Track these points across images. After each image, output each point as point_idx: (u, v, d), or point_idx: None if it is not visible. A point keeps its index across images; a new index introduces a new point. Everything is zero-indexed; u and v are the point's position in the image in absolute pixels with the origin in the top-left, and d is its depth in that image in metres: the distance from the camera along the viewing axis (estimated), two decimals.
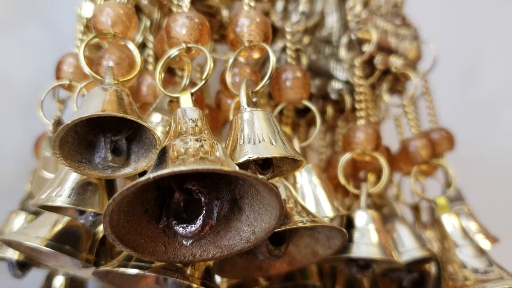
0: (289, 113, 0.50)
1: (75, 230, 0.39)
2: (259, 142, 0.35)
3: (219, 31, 0.51)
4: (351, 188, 0.47)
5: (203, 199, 0.32)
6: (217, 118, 0.48)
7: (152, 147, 0.34)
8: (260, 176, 0.36)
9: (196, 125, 0.32)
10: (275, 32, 0.54)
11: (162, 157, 0.30)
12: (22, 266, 0.46)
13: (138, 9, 0.48)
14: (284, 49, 0.57)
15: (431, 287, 0.48)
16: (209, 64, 0.37)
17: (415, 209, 0.54)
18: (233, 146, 0.35)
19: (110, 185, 0.37)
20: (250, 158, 0.34)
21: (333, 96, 0.56)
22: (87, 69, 0.37)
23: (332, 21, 0.57)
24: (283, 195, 0.38)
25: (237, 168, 0.30)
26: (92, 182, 0.36)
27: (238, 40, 0.40)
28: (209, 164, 0.28)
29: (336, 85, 0.56)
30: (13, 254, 0.44)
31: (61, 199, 0.34)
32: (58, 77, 0.44)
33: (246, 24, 0.40)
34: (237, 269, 0.41)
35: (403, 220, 0.49)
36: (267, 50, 0.39)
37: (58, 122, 0.42)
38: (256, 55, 0.41)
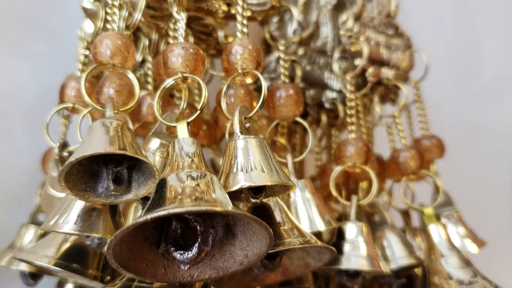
0: (284, 125, 0.52)
1: (82, 248, 0.42)
2: (251, 170, 0.37)
3: (215, 47, 0.53)
4: (342, 200, 0.50)
5: (198, 227, 0.34)
6: (214, 133, 0.51)
7: (151, 176, 0.36)
8: (253, 200, 0.39)
9: (192, 161, 0.34)
10: (271, 43, 0.56)
11: (160, 193, 0.33)
12: (34, 276, 0.49)
13: (137, 28, 0.50)
14: (279, 59, 0.59)
15: None
16: (204, 93, 0.40)
17: (406, 214, 0.57)
18: (227, 174, 0.37)
19: (113, 209, 0.39)
20: (243, 187, 0.36)
21: (327, 105, 0.58)
22: (88, 100, 0.39)
23: (326, 31, 0.59)
24: (278, 216, 0.41)
25: (230, 205, 0.33)
26: (97, 208, 0.38)
27: (232, 68, 0.42)
28: (203, 205, 0.30)
29: (330, 94, 0.58)
30: (25, 267, 0.47)
31: (68, 226, 0.37)
32: (61, 100, 0.46)
33: (240, 52, 0.41)
34: (235, 281, 0.44)
35: (393, 228, 0.52)
36: (259, 77, 0.41)
37: (63, 145, 0.45)
38: (249, 80, 0.43)
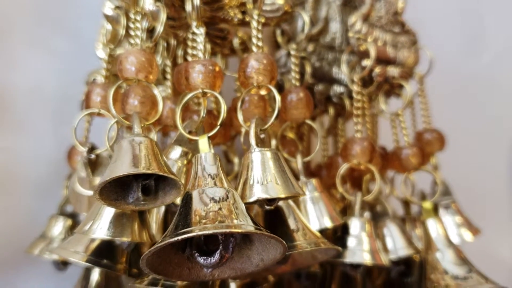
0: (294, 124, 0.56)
1: (110, 243, 0.46)
2: (267, 182, 0.41)
3: (230, 47, 0.55)
4: (348, 196, 0.54)
5: (220, 236, 0.39)
6: (229, 132, 0.54)
7: (176, 187, 0.40)
8: (267, 207, 0.43)
9: (214, 182, 0.38)
10: (283, 46, 0.59)
11: (186, 211, 0.37)
12: (65, 263, 0.54)
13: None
14: (289, 54, 0.62)
15: (416, 276, 0.55)
16: (223, 108, 0.43)
17: (406, 203, 0.61)
18: (244, 185, 0.41)
19: (141, 214, 0.43)
20: (259, 199, 0.40)
21: (335, 99, 0.61)
22: (115, 114, 0.42)
23: (335, 26, 0.61)
24: (290, 219, 0.45)
25: (250, 224, 0.36)
26: (126, 213, 0.42)
27: (247, 82, 0.45)
28: (225, 228, 0.34)
29: (337, 89, 0.61)
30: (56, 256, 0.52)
31: (102, 232, 0.41)
32: (87, 106, 0.49)
33: (255, 67, 0.44)
34: None
35: (393, 219, 0.56)
36: (272, 90, 0.44)
37: (91, 149, 0.48)
38: (263, 92, 0.46)
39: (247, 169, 0.42)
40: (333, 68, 0.61)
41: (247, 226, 0.36)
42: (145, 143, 0.39)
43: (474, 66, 1.08)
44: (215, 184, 0.38)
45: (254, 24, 0.46)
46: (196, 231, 0.34)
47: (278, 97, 0.44)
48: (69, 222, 0.53)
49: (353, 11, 0.61)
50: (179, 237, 0.34)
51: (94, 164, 0.49)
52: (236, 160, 0.55)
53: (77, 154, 0.54)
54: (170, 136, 0.57)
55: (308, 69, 0.60)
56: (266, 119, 0.48)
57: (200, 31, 0.45)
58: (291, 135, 0.57)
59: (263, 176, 0.41)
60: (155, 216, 0.48)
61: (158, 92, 0.43)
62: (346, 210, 0.56)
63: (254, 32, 0.46)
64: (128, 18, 0.48)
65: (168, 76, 0.54)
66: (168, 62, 0.53)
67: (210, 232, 0.34)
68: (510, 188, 1.13)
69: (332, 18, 0.61)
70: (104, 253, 0.45)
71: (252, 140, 0.43)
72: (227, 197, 0.37)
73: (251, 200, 0.40)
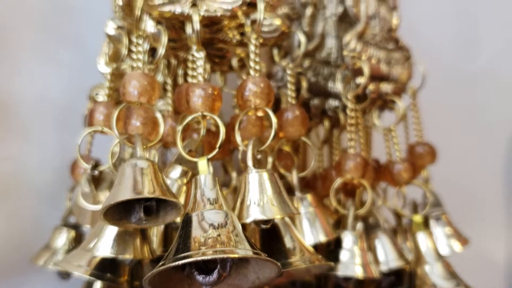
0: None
1: (113, 258, 0.48)
2: (263, 204, 0.43)
3: (229, 65, 0.57)
4: (341, 210, 0.56)
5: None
6: (227, 148, 0.56)
7: (176, 208, 0.42)
8: (263, 226, 0.45)
9: (213, 206, 0.40)
10: (280, 65, 0.60)
11: (186, 234, 0.39)
12: (68, 273, 0.56)
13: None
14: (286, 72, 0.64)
15: (406, 286, 0.58)
16: (221, 131, 0.45)
17: (398, 215, 0.63)
18: (241, 205, 0.43)
19: (143, 230, 0.46)
20: (256, 219, 0.42)
21: (330, 113, 0.63)
22: (118, 136, 0.44)
23: (331, 42, 0.63)
24: (285, 235, 0.47)
25: (248, 248, 0.38)
26: (128, 231, 0.44)
27: (245, 104, 0.47)
28: (223, 253, 0.36)
29: (333, 102, 0.63)
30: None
31: (106, 249, 0.43)
32: (91, 123, 0.51)
33: (253, 90, 0.46)
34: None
35: (385, 231, 0.58)
36: (269, 113, 0.46)
37: (95, 166, 0.50)
38: (260, 113, 0.48)
39: (244, 189, 0.44)
40: (329, 83, 0.62)
41: (245, 250, 0.38)
42: (147, 167, 0.41)
43: (469, 69, 1.10)
44: (214, 208, 0.40)
45: (251, 48, 0.48)
46: (195, 256, 0.36)
47: (274, 120, 0.46)
48: (72, 233, 0.56)
49: (349, 27, 0.62)
50: (179, 262, 0.36)
51: (97, 180, 0.51)
52: (234, 174, 0.57)
53: (80, 167, 0.56)
54: (171, 149, 0.59)
55: (304, 84, 0.61)
56: (263, 136, 0.50)
57: (200, 55, 0.47)
58: (287, 148, 0.59)
59: (260, 197, 0.43)
60: (156, 230, 0.50)
61: (160, 115, 0.45)
62: (340, 221, 0.58)
63: (252, 56, 0.48)
64: (130, 41, 0.50)
65: (169, 94, 0.56)
66: (169, 81, 0.54)
67: (209, 257, 0.36)
68: (506, 191, 1.15)
69: (328, 33, 0.63)
70: (107, 267, 0.47)
71: (250, 162, 0.45)
72: (226, 223, 0.39)
73: (248, 221, 0.42)
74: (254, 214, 0.42)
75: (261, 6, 0.47)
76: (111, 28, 0.53)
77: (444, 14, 1.06)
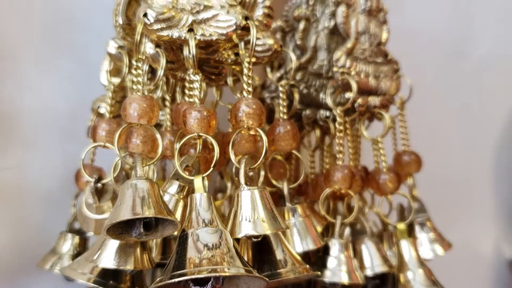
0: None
1: None
2: (254, 220, 0.46)
3: (224, 80, 0.60)
4: (329, 218, 0.59)
5: None
6: (223, 160, 0.59)
7: (174, 224, 0.45)
8: (255, 240, 0.48)
9: (207, 226, 0.43)
10: (273, 82, 0.63)
11: (182, 252, 0.42)
12: None
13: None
14: (281, 78, 0.67)
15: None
16: (216, 150, 0.48)
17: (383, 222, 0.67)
18: (234, 221, 0.47)
19: (143, 242, 0.49)
20: (247, 235, 0.46)
21: (321, 122, 0.66)
22: (120, 155, 0.48)
23: (323, 54, 0.66)
24: (275, 246, 0.50)
25: (240, 266, 0.42)
26: (129, 243, 0.48)
27: (238, 125, 0.50)
28: (217, 272, 0.40)
29: (323, 113, 0.66)
30: None
31: (109, 261, 0.47)
32: (94, 138, 0.55)
33: (246, 111, 0.49)
34: None
35: (371, 237, 0.62)
36: (260, 133, 0.49)
37: (98, 179, 0.54)
38: (252, 132, 0.51)
39: (237, 206, 0.47)
40: (320, 94, 0.65)
41: (237, 268, 0.42)
42: (146, 187, 0.45)
43: (461, 64, 1.12)
44: (209, 229, 0.43)
45: (245, 71, 0.51)
46: (190, 274, 0.40)
47: (265, 139, 0.49)
48: (76, 239, 0.59)
49: (341, 40, 0.65)
50: (175, 279, 0.40)
51: (100, 192, 0.55)
52: (229, 184, 0.60)
53: (83, 177, 0.59)
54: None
55: (296, 96, 0.64)
56: (256, 151, 0.53)
57: (196, 78, 0.50)
58: (279, 157, 0.63)
59: (251, 214, 0.47)
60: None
61: (159, 136, 0.48)
62: (329, 227, 0.62)
63: (245, 78, 0.51)
64: (130, 65, 0.53)
65: (167, 105, 0.59)
66: (167, 97, 0.58)
67: (203, 275, 0.40)
68: (495, 186, 1.19)
69: (321, 46, 0.66)
70: (109, 275, 0.51)
71: (242, 179, 0.48)
72: (220, 244, 0.42)
73: (240, 236, 0.46)
74: (245, 229, 0.46)
75: (253, 31, 0.50)
76: (112, 47, 0.56)
77: (438, 11, 1.08)
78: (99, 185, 0.54)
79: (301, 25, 0.66)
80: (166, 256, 0.54)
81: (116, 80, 0.59)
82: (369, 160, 0.69)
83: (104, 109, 0.60)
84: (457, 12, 1.11)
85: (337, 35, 0.66)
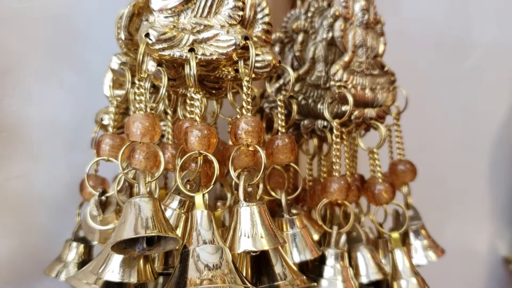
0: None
1: None
2: (253, 236, 0.48)
3: (224, 93, 0.62)
4: (326, 228, 0.61)
5: None
6: (222, 170, 0.61)
7: (176, 240, 0.47)
8: (253, 254, 0.50)
9: (209, 246, 0.45)
10: (272, 96, 0.65)
11: (183, 269, 0.44)
12: None
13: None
14: (279, 89, 0.68)
15: None
16: (215, 167, 0.50)
17: (380, 225, 0.68)
18: (233, 237, 0.49)
19: (146, 257, 0.51)
20: (246, 250, 0.48)
21: (318, 132, 0.68)
22: (123, 172, 0.50)
23: (321, 65, 0.67)
24: (274, 258, 0.53)
25: (240, 284, 0.44)
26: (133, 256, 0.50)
27: (238, 142, 0.51)
28: None
29: (321, 123, 0.67)
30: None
31: (114, 274, 0.49)
32: (98, 153, 0.56)
33: (245, 129, 0.51)
34: None
35: (366, 245, 0.64)
36: (259, 150, 0.51)
37: (102, 193, 0.56)
38: (251, 148, 0.53)
39: (236, 222, 0.49)
40: (318, 105, 0.67)
41: (236, 286, 0.43)
42: (148, 205, 0.47)
43: (457, 67, 1.14)
44: (209, 248, 0.45)
45: (244, 89, 0.52)
46: None
47: (263, 156, 0.51)
48: (81, 248, 0.61)
49: (339, 51, 0.66)
50: None
51: (104, 204, 0.57)
52: (229, 195, 0.62)
53: (87, 188, 0.61)
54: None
55: (295, 107, 0.66)
56: (255, 164, 0.55)
57: (197, 96, 0.51)
58: (278, 167, 0.64)
59: (250, 230, 0.48)
60: None
61: (161, 153, 0.50)
62: (326, 233, 0.64)
63: (244, 96, 0.52)
64: (133, 80, 0.55)
65: (169, 117, 0.61)
66: (169, 111, 0.59)
67: None
68: (490, 186, 1.21)
69: (319, 57, 0.67)
70: (112, 284, 0.53)
71: (241, 195, 0.50)
72: (221, 264, 0.44)
73: (239, 251, 0.48)
74: (244, 245, 0.48)
75: (252, 51, 0.52)
76: (115, 63, 0.58)
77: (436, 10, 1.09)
78: (103, 198, 0.56)
79: (300, 38, 0.68)
80: (168, 266, 0.56)
81: (119, 92, 0.60)
82: (367, 166, 0.70)
83: (107, 120, 0.62)
84: (455, 11, 1.12)
85: (335, 46, 0.67)
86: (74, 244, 0.61)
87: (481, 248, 1.22)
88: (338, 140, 0.62)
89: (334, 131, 0.62)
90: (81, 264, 0.61)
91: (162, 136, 0.63)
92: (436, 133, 1.11)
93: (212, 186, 0.50)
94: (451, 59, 1.13)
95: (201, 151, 0.50)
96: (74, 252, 0.61)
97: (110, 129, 0.59)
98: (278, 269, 0.52)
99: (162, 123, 0.63)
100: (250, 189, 0.52)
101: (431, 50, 1.09)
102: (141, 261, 0.51)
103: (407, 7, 1.02)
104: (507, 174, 1.23)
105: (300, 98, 0.67)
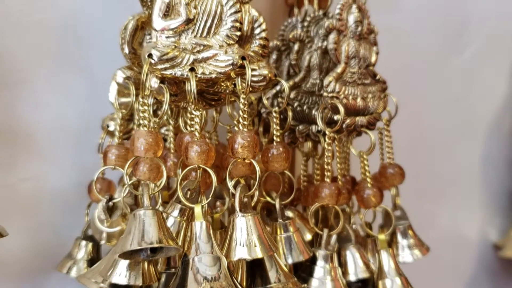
0: None
1: None
2: (248, 245, 0.53)
3: (223, 103, 0.65)
4: (317, 230, 0.66)
5: None
6: (220, 176, 0.65)
7: (177, 249, 0.52)
8: (248, 260, 0.55)
9: (208, 258, 0.50)
10: (269, 108, 0.69)
11: (183, 277, 0.49)
12: None
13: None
14: (276, 95, 0.72)
15: None
16: (213, 181, 0.54)
17: (368, 226, 0.73)
18: (229, 246, 0.53)
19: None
20: (241, 258, 0.52)
21: (312, 137, 0.72)
22: (130, 187, 0.54)
23: (316, 73, 0.71)
24: (268, 263, 0.57)
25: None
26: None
27: (234, 156, 0.55)
28: None
29: (315, 128, 0.71)
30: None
31: (120, 278, 0.54)
32: (105, 162, 0.61)
33: (241, 143, 0.55)
34: None
35: (355, 245, 0.68)
36: (254, 164, 0.55)
37: (110, 199, 0.60)
38: (247, 161, 0.57)
39: (232, 230, 0.54)
40: (313, 111, 0.70)
41: None
42: (152, 217, 0.51)
43: (455, 61, 1.16)
44: (208, 259, 0.50)
45: (241, 106, 0.56)
46: None
47: (258, 169, 0.55)
48: (90, 246, 0.66)
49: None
50: None
51: (111, 208, 0.61)
52: (227, 199, 0.66)
53: (95, 193, 0.65)
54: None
55: (290, 114, 0.69)
56: (252, 172, 0.59)
57: (197, 113, 0.55)
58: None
59: (245, 239, 0.53)
60: None
61: (164, 167, 0.54)
62: (317, 235, 0.69)
63: (240, 112, 0.56)
64: (137, 93, 0.58)
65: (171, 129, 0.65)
66: (171, 121, 0.63)
67: None
68: (483, 175, 1.24)
69: (314, 65, 0.71)
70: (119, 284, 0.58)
71: (237, 206, 0.55)
72: (219, 277, 0.49)
73: (235, 259, 0.52)
74: (240, 253, 0.52)
75: (248, 70, 0.55)
76: (120, 77, 0.61)
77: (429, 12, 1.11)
78: (110, 203, 0.60)
79: (296, 47, 0.71)
80: (169, 267, 0.61)
81: (124, 100, 0.64)
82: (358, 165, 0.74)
83: (113, 126, 0.66)
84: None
85: (329, 54, 0.70)
86: (83, 242, 0.66)
87: (472, 235, 1.26)
88: (330, 148, 0.66)
89: (326, 138, 0.66)
90: (90, 261, 0.65)
91: (165, 140, 0.67)
92: (430, 122, 1.14)
93: (210, 198, 0.54)
94: (447, 49, 1.15)
95: (201, 165, 0.54)
96: (83, 250, 0.66)
97: (117, 133, 0.63)
98: (271, 273, 0.57)
99: (164, 128, 0.68)
100: (246, 199, 0.56)
101: (427, 39, 1.11)
102: (146, 264, 0.56)
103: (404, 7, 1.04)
104: (499, 162, 1.27)
105: (295, 104, 0.71)
